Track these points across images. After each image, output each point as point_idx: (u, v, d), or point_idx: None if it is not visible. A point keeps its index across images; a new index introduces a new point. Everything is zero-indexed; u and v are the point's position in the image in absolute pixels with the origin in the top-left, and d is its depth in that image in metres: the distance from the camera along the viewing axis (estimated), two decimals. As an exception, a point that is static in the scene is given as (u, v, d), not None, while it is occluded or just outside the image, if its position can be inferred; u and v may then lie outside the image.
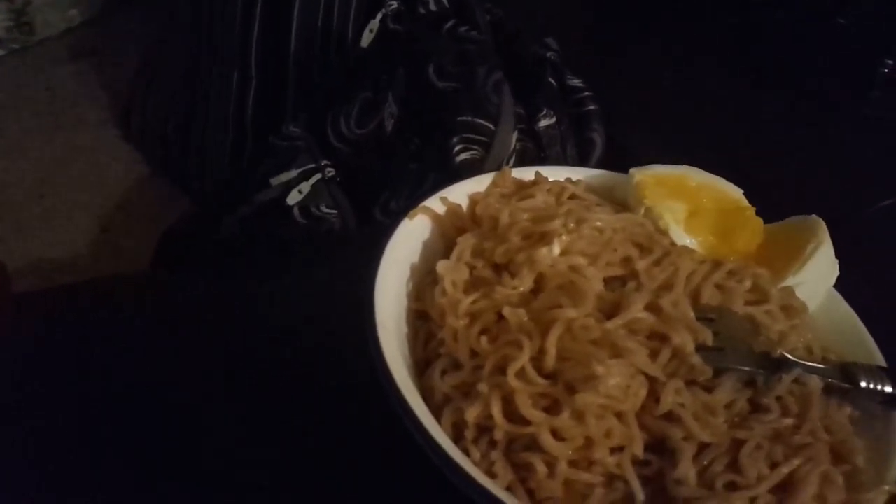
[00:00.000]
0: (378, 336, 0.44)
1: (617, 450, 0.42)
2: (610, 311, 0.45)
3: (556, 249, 0.48)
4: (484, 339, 0.45)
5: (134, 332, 0.56)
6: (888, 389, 0.47)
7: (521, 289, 0.47)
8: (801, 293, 0.52)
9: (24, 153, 1.49)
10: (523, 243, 0.49)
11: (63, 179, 1.45)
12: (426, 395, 0.44)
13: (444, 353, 0.46)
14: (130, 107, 1.53)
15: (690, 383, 0.44)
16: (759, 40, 1.13)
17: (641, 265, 0.49)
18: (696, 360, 0.44)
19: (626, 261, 0.49)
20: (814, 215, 0.56)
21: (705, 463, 0.42)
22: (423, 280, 0.51)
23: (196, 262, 0.99)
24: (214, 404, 0.51)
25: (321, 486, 0.48)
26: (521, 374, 0.42)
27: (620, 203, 0.58)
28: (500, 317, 0.46)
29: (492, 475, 0.41)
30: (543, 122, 0.90)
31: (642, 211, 0.55)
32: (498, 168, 0.58)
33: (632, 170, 0.58)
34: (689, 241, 0.53)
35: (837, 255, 0.54)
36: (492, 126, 0.86)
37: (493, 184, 0.57)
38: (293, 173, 0.93)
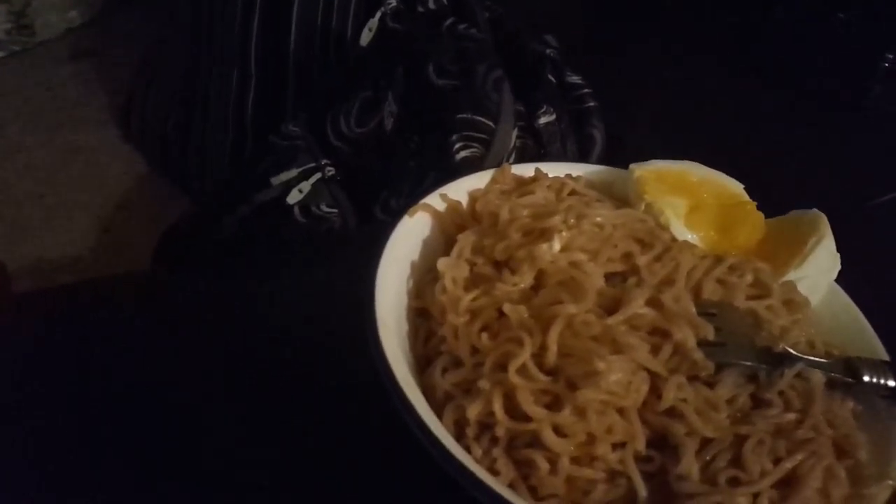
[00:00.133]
0: (379, 334, 0.43)
1: (619, 446, 0.42)
2: (611, 306, 0.45)
3: (557, 246, 0.48)
4: (485, 335, 0.45)
5: (134, 332, 0.56)
6: (891, 383, 0.46)
7: (522, 285, 0.47)
8: (802, 288, 0.52)
9: (25, 153, 1.49)
10: (523, 240, 0.49)
11: (63, 179, 1.45)
12: (427, 393, 0.44)
13: (444, 350, 0.46)
14: (130, 107, 1.53)
15: (692, 379, 0.44)
16: (760, 38, 1.13)
17: (642, 261, 0.48)
18: (698, 355, 0.43)
19: (627, 256, 0.49)
20: (815, 209, 0.56)
21: (708, 458, 0.42)
22: (424, 277, 0.51)
23: (196, 262, 0.99)
24: (214, 404, 0.51)
25: (321, 486, 0.48)
26: (522, 370, 0.42)
27: (621, 199, 0.57)
28: (501, 313, 0.46)
29: (494, 472, 0.41)
30: (543, 120, 0.90)
31: (643, 206, 0.54)
32: (498, 165, 0.57)
33: (632, 165, 0.57)
34: (690, 236, 0.53)
35: (839, 250, 0.54)
36: (492, 124, 0.86)
37: (493, 180, 0.57)
38: (293, 172, 0.93)
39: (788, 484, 0.42)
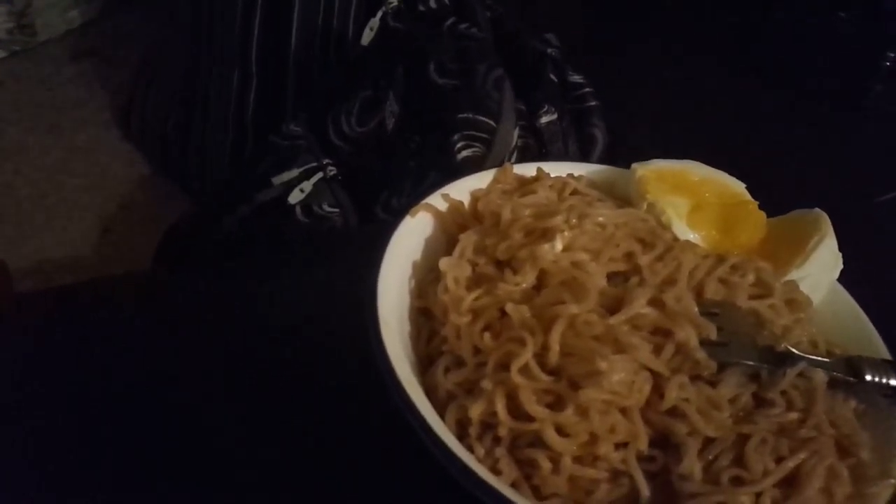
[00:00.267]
0: (381, 333, 0.44)
1: (621, 445, 0.42)
2: (613, 306, 0.45)
3: (559, 245, 0.47)
4: (487, 335, 0.45)
5: (134, 332, 0.56)
6: (893, 382, 0.46)
7: (524, 285, 0.47)
8: (804, 287, 0.52)
9: (26, 154, 1.49)
10: (525, 239, 0.49)
11: (64, 180, 1.46)
12: (429, 393, 0.44)
13: (446, 350, 0.46)
14: (131, 107, 1.53)
15: (694, 378, 0.44)
16: (761, 37, 1.13)
17: (644, 260, 0.48)
18: (701, 354, 0.43)
19: (629, 256, 0.49)
20: (817, 209, 0.56)
21: (710, 458, 0.42)
22: (426, 277, 0.51)
23: (197, 262, 0.99)
24: (214, 404, 0.51)
25: (321, 486, 0.48)
26: (524, 370, 0.42)
27: (622, 198, 0.57)
28: (503, 313, 0.46)
29: (496, 472, 0.41)
30: (545, 119, 0.90)
31: (644, 206, 0.54)
32: (500, 165, 0.57)
33: (634, 165, 0.57)
34: (691, 235, 0.53)
35: (840, 249, 0.54)
36: (493, 123, 0.86)
37: (495, 180, 0.57)
38: (295, 172, 0.93)
39: (791, 483, 0.42)
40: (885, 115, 1.00)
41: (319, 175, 0.92)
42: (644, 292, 0.45)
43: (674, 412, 0.42)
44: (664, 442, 0.42)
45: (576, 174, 0.58)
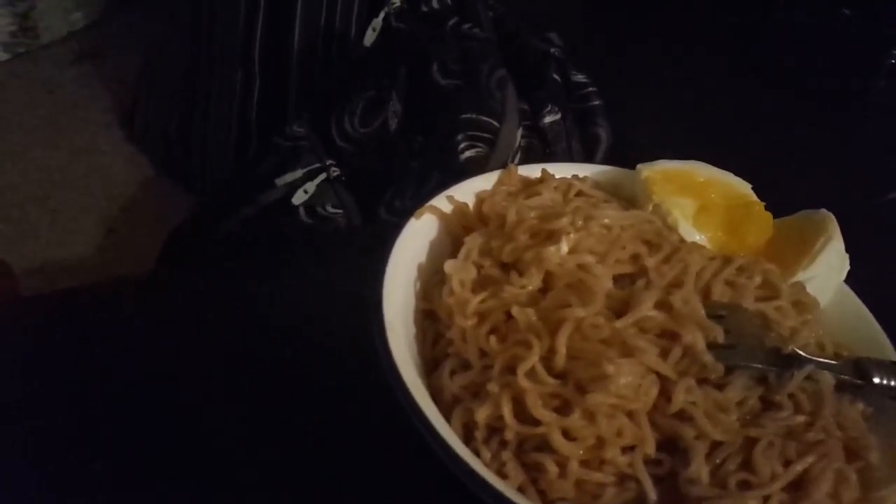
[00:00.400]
0: (387, 337, 0.43)
1: (628, 449, 0.42)
2: (619, 309, 0.45)
3: (565, 248, 0.47)
4: (493, 338, 0.45)
5: (134, 331, 0.56)
6: (901, 385, 0.46)
7: (530, 287, 0.47)
8: (811, 288, 0.52)
9: (29, 155, 1.49)
10: (531, 242, 0.49)
11: (68, 181, 1.46)
12: (435, 396, 0.44)
13: (452, 352, 0.46)
14: (134, 108, 1.53)
15: (702, 381, 0.43)
16: (764, 37, 1.12)
17: (651, 262, 0.48)
18: (708, 357, 0.43)
19: (635, 258, 0.49)
20: (823, 209, 0.55)
21: (718, 461, 0.41)
22: (431, 279, 0.51)
23: (201, 263, 0.99)
24: (214, 404, 0.51)
25: (321, 486, 0.48)
26: (531, 374, 0.42)
27: (628, 199, 0.57)
28: (509, 316, 0.45)
29: (503, 476, 0.41)
30: (548, 118, 0.90)
31: (650, 207, 0.54)
32: (503, 165, 0.57)
33: (639, 166, 0.57)
34: (698, 237, 0.53)
35: (847, 249, 0.54)
36: (496, 123, 0.86)
37: (500, 182, 0.56)
38: (298, 173, 0.93)
39: (799, 487, 0.41)
40: (890, 113, 0.99)
41: (323, 176, 0.92)
42: (651, 295, 0.45)
43: (681, 415, 0.42)
44: (671, 445, 0.42)
45: (580, 175, 0.58)
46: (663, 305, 0.45)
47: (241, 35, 1.22)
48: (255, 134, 1.29)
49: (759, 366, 0.45)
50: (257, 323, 0.57)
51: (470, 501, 0.38)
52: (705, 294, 0.48)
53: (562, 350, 0.42)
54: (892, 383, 0.46)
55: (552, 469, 0.41)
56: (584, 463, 0.41)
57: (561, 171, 0.58)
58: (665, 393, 0.43)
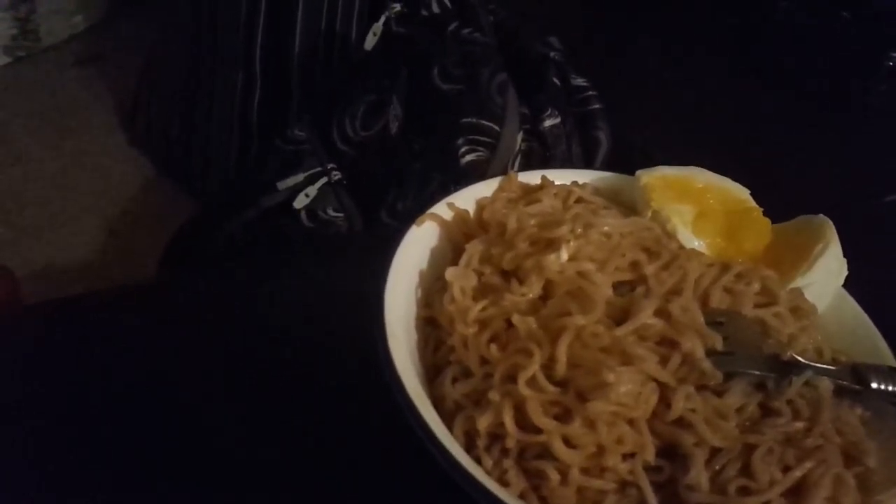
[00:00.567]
0: (389, 345, 0.44)
1: (629, 456, 0.42)
2: (619, 316, 0.45)
3: (565, 255, 0.48)
4: (494, 346, 0.45)
5: (134, 332, 0.56)
6: (899, 390, 0.47)
7: (530, 295, 0.47)
8: (809, 294, 0.52)
9: (31, 158, 1.49)
10: (531, 249, 0.49)
11: (70, 184, 1.46)
12: (437, 403, 0.44)
13: (454, 360, 0.46)
14: (135, 110, 1.53)
15: (701, 388, 0.44)
16: (765, 39, 1.13)
17: (650, 270, 0.49)
18: (707, 365, 0.43)
19: (635, 265, 0.49)
20: (821, 215, 0.56)
21: (717, 468, 0.42)
22: (432, 286, 0.51)
23: (203, 266, 0.99)
24: (214, 404, 0.51)
25: (321, 486, 0.48)
26: (531, 382, 0.42)
27: (627, 205, 0.58)
28: (510, 324, 0.46)
29: (504, 483, 0.41)
30: (548, 122, 0.90)
31: (649, 213, 0.55)
32: (504, 168, 0.58)
33: (638, 172, 0.58)
34: (696, 243, 0.53)
35: (846, 251, 0.54)
36: (497, 127, 0.86)
37: (500, 188, 0.57)
38: (300, 177, 0.93)
39: (798, 492, 0.42)
40: (890, 115, 1.00)
41: (324, 180, 0.93)
42: (650, 303, 0.45)
43: (680, 422, 0.42)
44: (671, 452, 0.43)
45: (580, 182, 0.58)
46: (662, 313, 0.45)
47: (243, 37, 1.22)
48: (257, 136, 1.29)
49: (758, 372, 0.45)
50: (257, 323, 0.57)
51: (470, 501, 0.39)
52: (704, 301, 0.48)
53: (562, 358, 0.42)
54: (891, 388, 0.47)
55: (554, 476, 0.41)
56: (585, 470, 0.41)
57: (561, 177, 0.58)
58: (664, 400, 0.43)
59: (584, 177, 0.59)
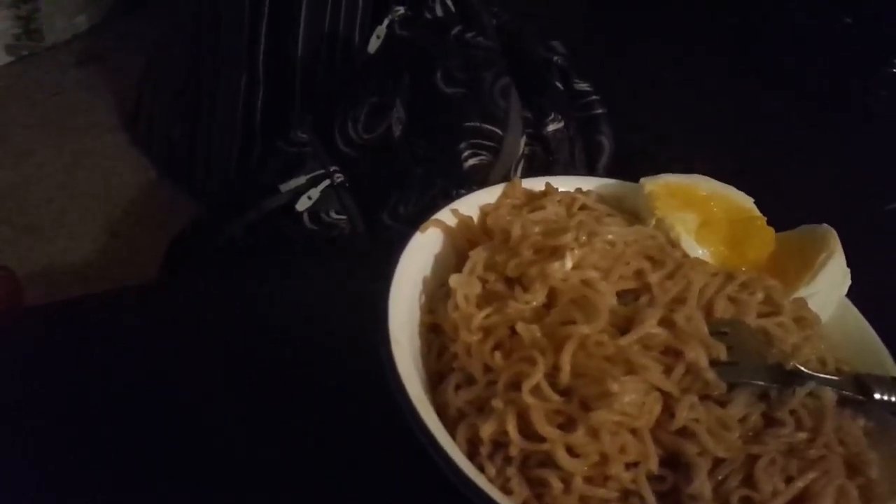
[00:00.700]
0: (392, 352, 0.44)
1: (632, 465, 0.42)
2: (623, 325, 0.45)
3: (569, 263, 0.48)
4: (497, 354, 0.45)
5: (134, 332, 0.56)
6: (902, 400, 0.47)
7: (534, 303, 0.47)
8: (813, 304, 0.52)
9: (33, 158, 1.49)
10: (535, 257, 0.49)
11: (71, 184, 1.46)
12: (440, 410, 0.44)
13: (457, 367, 0.46)
14: (138, 111, 1.53)
15: (704, 398, 0.44)
16: (763, 39, 1.13)
17: (654, 278, 0.48)
18: (711, 375, 0.43)
19: (639, 274, 0.49)
20: (825, 224, 0.56)
21: (720, 478, 0.42)
22: (436, 293, 0.51)
23: (206, 267, 0.99)
24: (214, 404, 0.51)
25: (321, 486, 0.48)
26: (535, 390, 0.42)
27: (631, 212, 0.58)
28: (514, 331, 0.46)
29: (507, 491, 0.41)
30: (551, 127, 0.90)
31: (653, 222, 0.54)
32: (507, 173, 0.57)
33: (642, 180, 0.58)
34: (700, 251, 0.53)
35: (849, 259, 0.54)
36: (500, 132, 0.86)
37: (504, 195, 0.57)
38: (302, 179, 0.93)
39: (801, 503, 0.42)
40: (892, 122, 0.99)
41: (326, 182, 0.93)
42: (654, 312, 0.45)
43: (684, 432, 0.42)
44: (674, 462, 0.43)
45: (584, 188, 0.58)
46: (667, 322, 0.45)
47: (246, 39, 1.22)
48: (259, 138, 1.29)
49: (762, 382, 0.45)
50: (257, 323, 0.57)
51: (469, 502, 0.39)
52: (708, 310, 0.48)
53: (566, 367, 0.42)
54: (893, 399, 0.47)
55: (556, 485, 0.41)
56: (588, 479, 0.41)
57: (564, 183, 0.58)
58: (668, 409, 0.43)
59: (588, 184, 0.59)
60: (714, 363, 0.44)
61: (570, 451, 0.41)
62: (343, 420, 0.50)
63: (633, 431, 0.42)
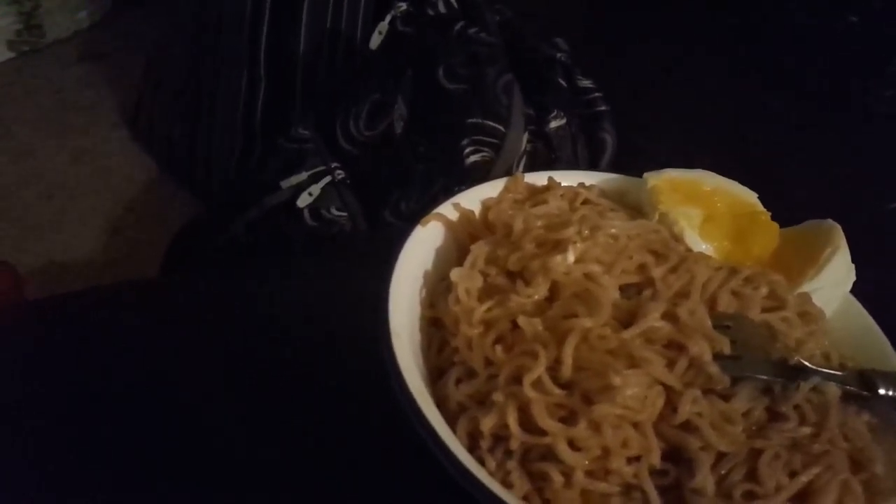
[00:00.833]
0: (393, 345, 0.43)
1: (634, 459, 0.41)
2: (626, 319, 0.45)
3: (571, 257, 0.47)
4: (499, 348, 0.45)
5: (134, 332, 0.56)
6: (906, 396, 0.46)
7: (536, 297, 0.47)
8: (817, 299, 0.52)
9: (34, 155, 1.49)
10: (537, 251, 0.49)
11: (72, 181, 1.46)
12: (440, 404, 0.44)
13: (458, 360, 0.46)
14: (138, 108, 1.53)
15: (707, 392, 0.43)
16: (765, 38, 1.12)
17: (657, 272, 0.48)
18: (714, 369, 0.43)
19: (642, 268, 0.49)
20: (829, 220, 0.55)
21: (723, 472, 0.41)
22: (437, 287, 0.51)
23: (206, 265, 0.99)
24: (214, 404, 0.51)
25: (321, 486, 0.48)
26: (537, 384, 0.42)
27: (634, 207, 0.57)
28: (515, 325, 0.45)
29: (508, 485, 0.41)
30: (554, 124, 0.90)
31: (657, 216, 0.54)
32: (509, 170, 0.57)
33: (646, 174, 0.57)
34: (704, 246, 0.53)
35: (854, 255, 0.54)
36: (502, 128, 0.86)
37: (506, 189, 0.57)
38: (303, 176, 0.93)
39: (804, 498, 0.41)
40: (893, 121, 0.99)
41: (328, 179, 0.92)
42: (657, 306, 0.45)
43: (687, 426, 0.42)
44: (677, 456, 0.42)
45: (587, 183, 0.58)
46: (670, 316, 0.45)
47: (247, 38, 1.22)
48: (260, 136, 1.29)
49: (765, 377, 0.45)
50: (257, 323, 0.57)
51: (470, 501, 0.38)
52: (711, 304, 0.48)
53: (568, 361, 0.42)
54: (898, 395, 0.46)
55: (557, 479, 0.41)
56: (590, 473, 0.41)
57: (567, 178, 0.58)
58: (671, 403, 0.43)
59: (591, 178, 0.59)
60: (717, 357, 0.44)
61: (572, 444, 0.41)
62: (343, 420, 0.50)
63: (636, 425, 0.41)
